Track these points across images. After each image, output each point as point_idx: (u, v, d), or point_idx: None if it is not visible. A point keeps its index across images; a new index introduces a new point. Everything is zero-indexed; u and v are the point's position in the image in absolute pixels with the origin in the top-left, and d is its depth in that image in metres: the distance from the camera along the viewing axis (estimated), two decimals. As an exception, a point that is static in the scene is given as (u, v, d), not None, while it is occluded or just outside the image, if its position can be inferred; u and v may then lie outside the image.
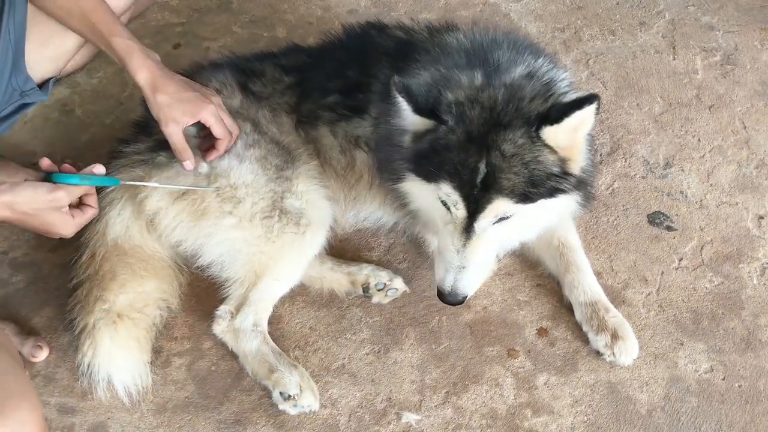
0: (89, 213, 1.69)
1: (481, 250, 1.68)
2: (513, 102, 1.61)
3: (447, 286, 1.69)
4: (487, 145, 1.57)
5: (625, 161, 2.39)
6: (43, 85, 2.14)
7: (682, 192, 2.31)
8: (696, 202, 2.28)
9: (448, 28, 2.05)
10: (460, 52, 1.86)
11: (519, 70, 1.71)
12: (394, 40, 2.08)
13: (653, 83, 2.62)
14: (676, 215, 2.25)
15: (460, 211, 1.63)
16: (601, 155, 2.40)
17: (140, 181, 1.91)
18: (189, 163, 1.90)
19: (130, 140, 2.06)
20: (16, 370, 1.52)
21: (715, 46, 2.73)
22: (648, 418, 1.84)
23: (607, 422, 1.84)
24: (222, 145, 1.92)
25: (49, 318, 2.05)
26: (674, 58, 2.70)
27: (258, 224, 1.94)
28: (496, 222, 1.65)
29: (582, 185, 1.71)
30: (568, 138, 1.60)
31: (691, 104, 2.55)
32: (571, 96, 1.67)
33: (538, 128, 1.57)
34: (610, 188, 2.32)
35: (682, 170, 2.36)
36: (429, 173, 1.65)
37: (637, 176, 2.35)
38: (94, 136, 2.51)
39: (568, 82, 1.78)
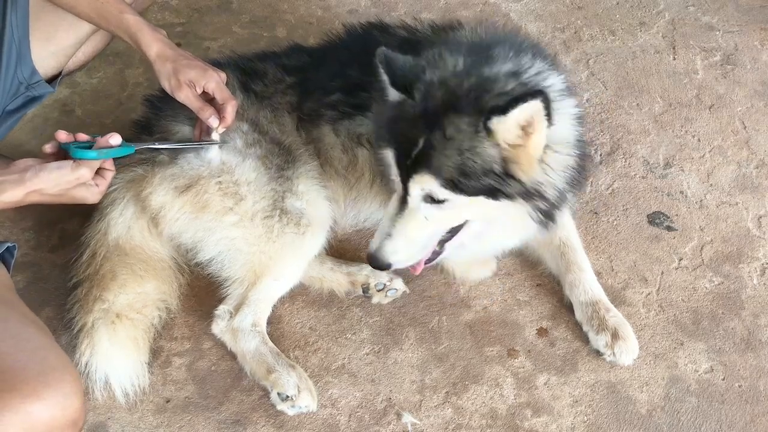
0: (109, 176, 1.72)
1: (410, 225, 1.69)
2: (478, 92, 1.60)
3: (372, 247, 1.73)
4: (435, 124, 1.59)
5: (625, 161, 2.39)
6: (50, 82, 2.15)
7: (682, 192, 2.31)
8: (696, 202, 2.28)
9: (453, 27, 2.04)
10: (463, 44, 1.84)
11: (505, 67, 1.67)
12: (397, 39, 2.08)
13: (653, 83, 2.62)
14: (676, 215, 2.25)
15: (396, 180, 1.67)
16: (601, 155, 2.40)
17: (149, 148, 1.94)
18: (214, 119, 1.90)
19: (131, 139, 2.05)
20: (53, 345, 1.55)
21: (715, 46, 2.73)
22: (648, 418, 1.84)
23: (607, 422, 1.84)
24: (228, 113, 1.92)
25: (49, 318, 2.04)
26: (674, 58, 2.70)
27: (258, 223, 1.95)
28: (431, 203, 1.65)
29: (533, 198, 1.65)
30: (515, 136, 1.56)
31: (691, 104, 2.55)
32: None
33: (487, 119, 1.54)
34: (610, 188, 2.32)
35: (682, 170, 2.36)
36: (382, 138, 1.71)
37: (637, 176, 2.35)
38: (94, 136, 2.51)
39: (559, 88, 1.72)
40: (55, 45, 2.12)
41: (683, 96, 2.57)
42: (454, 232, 1.77)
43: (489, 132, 1.54)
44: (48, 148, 1.68)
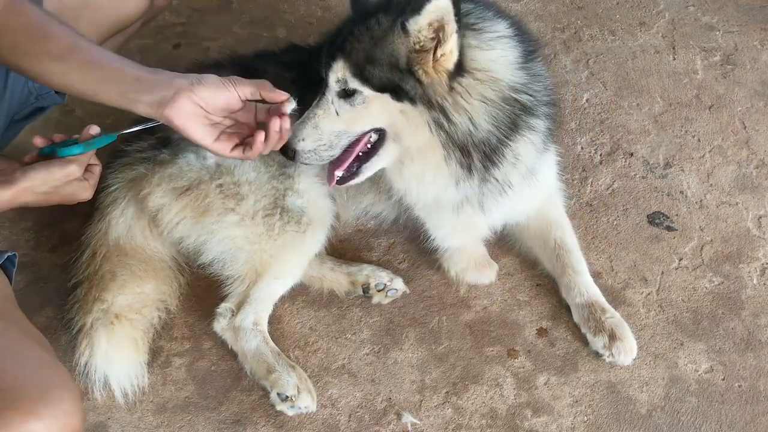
0: (97, 171, 1.71)
1: (322, 115, 1.73)
2: (413, 2, 1.64)
3: (293, 132, 1.74)
4: (365, 20, 1.69)
5: (625, 161, 2.39)
6: (57, 91, 2.14)
7: (682, 192, 2.31)
8: (696, 202, 2.28)
9: None
10: None
11: None
12: None
13: (653, 83, 2.62)
14: (676, 215, 2.25)
15: (324, 65, 1.73)
16: (601, 155, 2.40)
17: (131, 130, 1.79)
18: (292, 101, 1.63)
19: (132, 139, 2.06)
20: (54, 362, 1.55)
21: (715, 46, 2.73)
22: (648, 418, 1.84)
23: (607, 422, 1.84)
24: (268, 89, 1.62)
25: (48, 318, 2.05)
26: (674, 58, 2.70)
27: (260, 222, 1.95)
28: (343, 98, 1.70)
29: (434, 108, 1.66)
30: (427, 38, 1.60)
31: (691, 104, 2.55)
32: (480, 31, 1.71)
33: (405, 19, 1.61)
34: (610, 188, 2.32)
35: (682, 170, 2.36)
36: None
37: (637, 176, 2.35)
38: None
39: (499, 33, 1.73)
40: None
41: (683, 96, 2.57)
42: (368, 155, 1.79)
43: (405, 30, 1.61)
44: (27, 158, 1.67)
